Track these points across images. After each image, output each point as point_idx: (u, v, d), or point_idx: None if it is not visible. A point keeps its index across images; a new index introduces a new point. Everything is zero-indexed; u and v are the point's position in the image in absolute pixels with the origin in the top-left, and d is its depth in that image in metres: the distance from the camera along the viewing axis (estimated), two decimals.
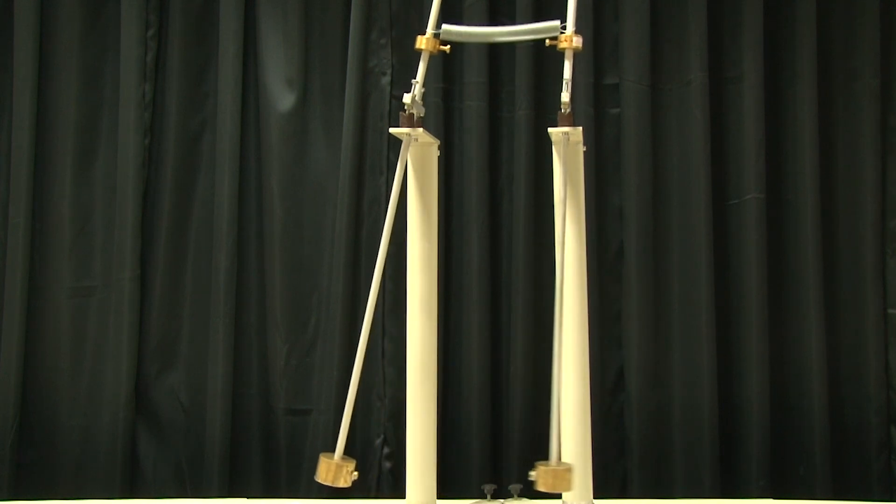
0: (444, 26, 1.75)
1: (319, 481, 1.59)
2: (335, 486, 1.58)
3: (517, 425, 2.39)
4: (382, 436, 2.45)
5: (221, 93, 2.47)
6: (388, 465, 2.44)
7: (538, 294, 2.41)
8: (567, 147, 1.69)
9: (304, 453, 2.45)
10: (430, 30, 1.75)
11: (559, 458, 1.51)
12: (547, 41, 1.71)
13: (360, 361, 1.63)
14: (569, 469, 1.51)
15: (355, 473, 1.60)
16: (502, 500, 1.96)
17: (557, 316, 1.57)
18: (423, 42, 1.74)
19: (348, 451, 2.44)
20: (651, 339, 2.42)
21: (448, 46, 1.76)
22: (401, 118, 1.74)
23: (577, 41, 1.68)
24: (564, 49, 1.69)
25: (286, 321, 2.47)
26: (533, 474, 1.52)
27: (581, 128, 1.73)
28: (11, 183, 2.45)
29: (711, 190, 2.41)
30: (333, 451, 2.39)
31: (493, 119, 2.48)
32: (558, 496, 1.73)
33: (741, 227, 2.43)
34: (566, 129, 1.69)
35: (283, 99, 2.49)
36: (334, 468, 1.57)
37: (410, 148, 1.79)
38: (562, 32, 1.69)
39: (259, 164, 2.52)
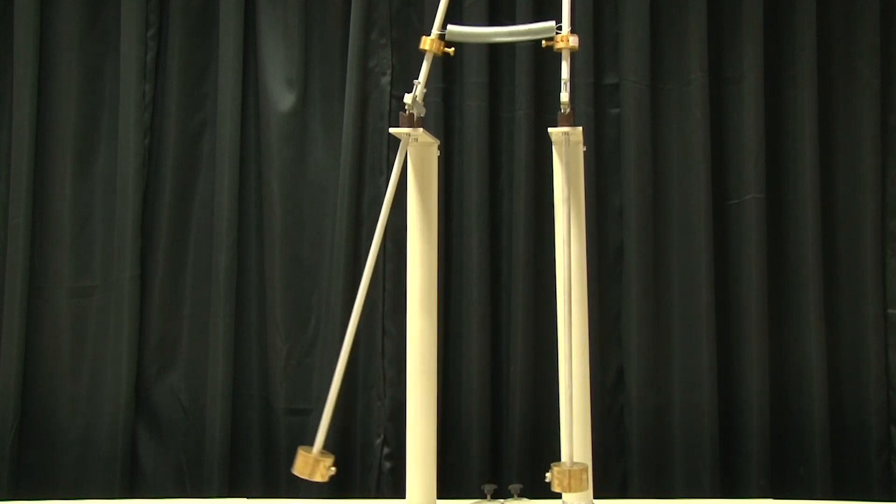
0: (450, 27, 1.73)
1: (296, 474, 1.57)
2: (312, 480, 1.56)
3: (517, 425, 2.39)
4: (382, 436, 2.46)
5: (221, 93, 2.47)
6: (388, 465, 2.45)
7: (538, 294, 2.41)
8: (567, 147, 1.69)
9: None
10: (435, 31, 1.73)
11: (572, 459, 1.51)
12: (543, 42, 1.70)
13: (345, 353, 1.61)
14: (584, 469, 1.51)
15: (333, 469, 1.56)
16: (502, 500, 1.95)
17: (564, 315, 1.57)
18: (427, 43, 1.72)
19: (349, 452, 2.47)
20: (651, 339, 2.42)
21: (452, 49, 1.75)
22: (401, 118, 1.74)
23: (574, 41, 1.67)
24: (561, 50, 1.68)
25: (286, 321, 2.47)
26: (548, 475, 1.52)
27: (581, 128, 1.73)
28: (11, 183, 2.45)
29: (711, 190, 2.41)
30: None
31: (493, 119, 2.48)
32: (558, 496, 1.72)
33: (741, 227, 2.43)
34: (566, 129, 1.69)
35: (283, 99, 2.49)
36: (311, 462, 1.55)
37: (410, 148, 1.79)
38: (557, 33, 1.69)
39: (259, 164, 2.52)
